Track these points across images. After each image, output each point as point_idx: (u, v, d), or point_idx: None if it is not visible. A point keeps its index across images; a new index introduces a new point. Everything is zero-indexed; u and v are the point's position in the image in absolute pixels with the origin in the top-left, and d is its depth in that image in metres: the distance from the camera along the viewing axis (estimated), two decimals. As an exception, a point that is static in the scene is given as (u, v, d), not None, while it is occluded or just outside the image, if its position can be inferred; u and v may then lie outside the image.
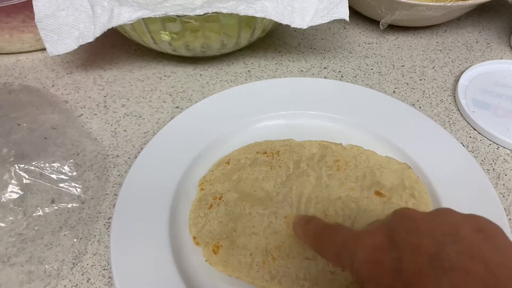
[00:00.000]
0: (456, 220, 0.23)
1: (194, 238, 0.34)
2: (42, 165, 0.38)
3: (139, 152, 0.42)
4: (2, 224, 0.36)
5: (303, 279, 0.31)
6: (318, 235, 0.29)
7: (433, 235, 0.21)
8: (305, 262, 0.32)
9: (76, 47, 0.43)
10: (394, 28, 0.57)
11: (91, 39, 0.42)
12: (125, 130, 0.44)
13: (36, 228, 0.36)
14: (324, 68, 0.51)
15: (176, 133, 0.41)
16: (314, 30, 0.57)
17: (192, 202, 0.37)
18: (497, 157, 0.41)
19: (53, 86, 0.49)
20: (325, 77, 0.50)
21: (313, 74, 0.50)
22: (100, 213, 0.38)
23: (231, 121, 0.43)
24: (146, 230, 0.34)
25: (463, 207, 0.35)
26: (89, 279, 0.33)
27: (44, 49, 0.53)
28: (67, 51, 0.43)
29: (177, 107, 0.46)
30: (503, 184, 0.39)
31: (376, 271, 0.22)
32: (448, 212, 0.24)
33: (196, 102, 0.45)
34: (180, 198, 0.37)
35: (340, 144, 0.40)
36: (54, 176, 0.38)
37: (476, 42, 0.55)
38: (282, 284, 0.31)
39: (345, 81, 0.49)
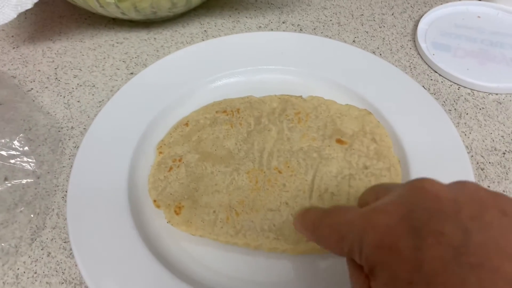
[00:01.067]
0: (482, 199, 0.19)
1: (155, 201, 0.33)
2: (-11, 142, 0.37)
3: (94, 121, 0.40)
4: (-47, 206, 0.34)
5: (268, 230, 0.31)
6: (318, 222, 0.25)
7: (459, 219, 0.18)
8: (269, 214, 0.31)
9: (15, 16, 0.40)
10: (352, -23, 0.55)
11: (29, 6, 0.40)
12: (78, 101, 0.42)
13: (-11, 207, 0.35)
14: (283, 22, 0.50)
15: (130, 99, 0.39)
16: (270, -15, 0.55)
17: (151, 167, 0.35)
18: (458, 97, 0.41)
19: (-2, 62, 0.46)
20: (284, 31, 0.48)
21: (272, 29, 0.49)
22: (58, 186, 0.36)
23: (187, 82, 0.41)
24: (104, 198, 0.33)
25: (426, 148, 0.35)
26: (50, 253, 0.32)
27: (-14, 24, 0.50)
28: (6, 22, 0.40)
29: (132, 73, 0.45)
30: (465, 123, 0.39)
31: (391, 259, 0.19)
32: (474, 188, 0.20)
33: (148, 66, 0.43)
34: (139, 164, 0.36)
35: (300, 96, 0.39)
36: (4, 153, 0.37)
37: (435, -14, 0.55)
38: (247, 237, 0.30)
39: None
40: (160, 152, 0.36)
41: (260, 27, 0.49)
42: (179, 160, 0.35)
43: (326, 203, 0.32)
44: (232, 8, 0.52)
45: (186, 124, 0.38)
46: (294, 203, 0.32)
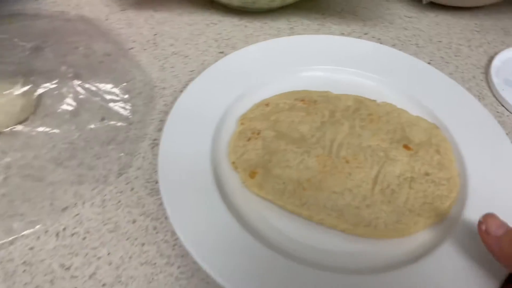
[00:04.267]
0: None
1: (233, 163, 0.37)
2: (97, 84, 0.42)
3: (184, 87, 0.44)
4: (57, 131, 0.39)
5: (330, 209, 0.34)
6: None
7: None
8: (333, 196, 0.35)
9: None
10: (435, 5, 0.58)
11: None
12: (172, 67, 0.47)
13: (87, 139, 0.39)
14: (365, 34, 0.53)
15: (221, 73, 0.44)
16: (357, -1, 0.59)
17: (232, 134, 0.39)
18: (522, 133, 0.43)
19: (106, 20, 0.52)
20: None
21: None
22: (146, 134, 0.41)
23: (272, 68, 0.45)
24: (190, 152, 0.37)
25: (486, 169, 0.37)
26: (133, 188, 0.36)
27: (100, -15, 0.56)
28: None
29: (222, 52, 0.49)
30: (524, 157, 0.41)
31: None
32: None
33: (240, 49, 0.47)
34: (222, 130, 0.40)
35: (375, 100, 0.43)
36: (106, 96, 0.41)
37: (514, 28, 0.57)
38: (311, 211, 0.34)
39: (383, 48, 0.51)
40: (242, 123, 0.40)
41: (343, 33, 0.53)
42: (258, 134, 0.39)
43: (386, 198, 0.35)
44: (318, 12, 0.56)
45: (267, 105, 0.42)
46: (357, 191, 0.35)
